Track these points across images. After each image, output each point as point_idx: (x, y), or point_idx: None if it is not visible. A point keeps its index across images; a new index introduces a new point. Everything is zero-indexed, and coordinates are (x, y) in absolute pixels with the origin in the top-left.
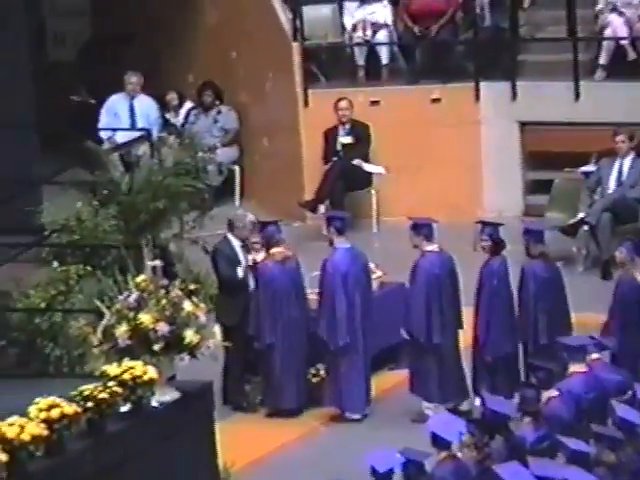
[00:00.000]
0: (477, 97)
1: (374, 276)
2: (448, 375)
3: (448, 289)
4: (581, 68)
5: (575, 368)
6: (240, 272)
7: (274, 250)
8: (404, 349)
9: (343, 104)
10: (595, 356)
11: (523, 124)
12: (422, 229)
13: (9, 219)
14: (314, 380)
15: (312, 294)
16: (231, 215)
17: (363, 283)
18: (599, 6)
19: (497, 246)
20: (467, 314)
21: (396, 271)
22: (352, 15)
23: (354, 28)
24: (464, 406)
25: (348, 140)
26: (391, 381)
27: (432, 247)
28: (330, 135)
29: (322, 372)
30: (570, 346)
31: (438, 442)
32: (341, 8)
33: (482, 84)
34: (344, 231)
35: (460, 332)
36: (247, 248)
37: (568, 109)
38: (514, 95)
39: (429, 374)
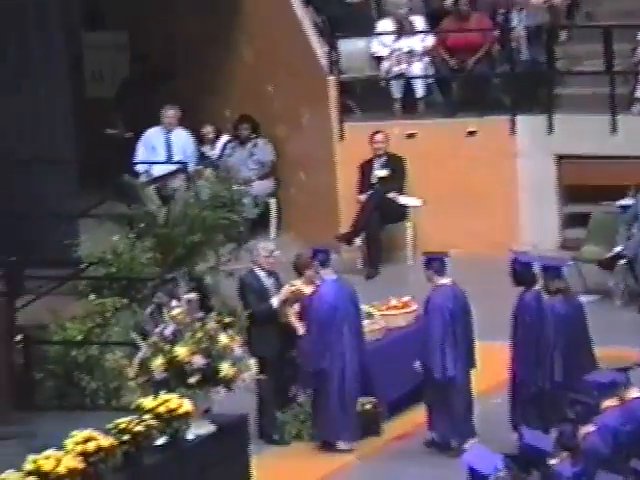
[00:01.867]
0: (513, 130)
1: (409, 309)
2: (461, 411)
3: (461, 324)
4: (618, 101)
5: (608, 402)
6: (275, 302)
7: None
8: (425, 385)
9: (379, 137)
10: (634, 394)
11: (560, 157)
12: (433, 263)
13: (47, 252)
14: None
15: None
16: (250, 245)
17: (351, 313)
18: (639, 36)
19: (527, 279)
20: (502, 349)
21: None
22: (387, 47)
23: (389, 60)
24: (467, 445)
25: (384, 173)
26: (424, 416)
27: (445, 281)
28: (365, 168)
29: (358, 405)
30: (600, 382)
31: (475, 476)
32: (373, 41)
33: (518, 117)
34: (328, 263)
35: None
36: (274, 277)
37: (605, 142)
38: (551, 128)
39: (446, 410)
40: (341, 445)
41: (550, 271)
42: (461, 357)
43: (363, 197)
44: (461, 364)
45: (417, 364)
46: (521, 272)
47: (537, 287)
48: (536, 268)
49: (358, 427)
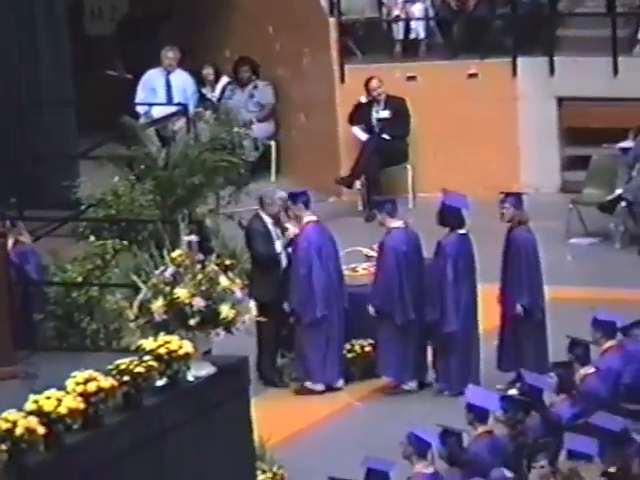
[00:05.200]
0: (514, 72)
1: None
2: (414, 351)
3: (414, 266)
4: (620, 43)
5: (609, 344)
6: (278, 247)
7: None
8: (374, 326)
9: (374, 84)
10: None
11: (561, 99)
12: (386, 206)
13: (47, 194)
14: (349, 356)
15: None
16: (261, 192)
17: (333, 255)
18: None
19: (451, 221)
20: (490, 290)
21: (431, 247)
22: None
23: (390, 2)
24: (427, 380)
25: (385, 114)
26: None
27: (397, 224)
28: (362, 108)
29: (357, 347)
30: (603, 322)
31: (475, 413)
32: None
33: (520, 59)
34: (309, 205)
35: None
36: (280, 225)
37: (606, 85)
38: (552, 70)
39: (398, 350)
40: (312, 386)
41: (511, 201)
42: (415, 299)
43: (358, 134)
44: (415, 306)
45: (371, 309)
46: (447, 214)
47: (462, 231)
48: (464, 212)
49: (339, 369)
